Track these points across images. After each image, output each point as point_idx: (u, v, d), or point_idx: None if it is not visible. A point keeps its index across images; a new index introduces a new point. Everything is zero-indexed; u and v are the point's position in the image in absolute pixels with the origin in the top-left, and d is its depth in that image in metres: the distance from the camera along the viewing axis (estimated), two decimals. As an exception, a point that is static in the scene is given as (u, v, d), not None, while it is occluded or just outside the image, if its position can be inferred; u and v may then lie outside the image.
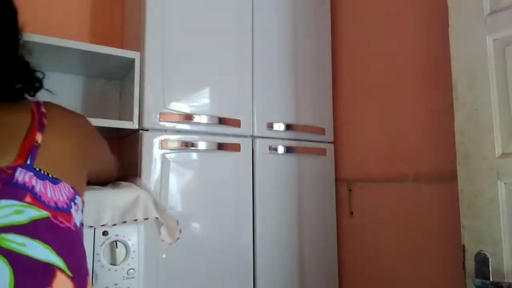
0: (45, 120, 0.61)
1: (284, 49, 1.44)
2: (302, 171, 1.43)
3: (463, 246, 0.99)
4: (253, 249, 1.28)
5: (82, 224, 0.62)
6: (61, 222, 0.54)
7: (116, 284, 0.87)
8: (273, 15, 1.42)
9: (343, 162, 1.55)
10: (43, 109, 0.62)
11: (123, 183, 1.05)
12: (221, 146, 1.24)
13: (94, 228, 0.87)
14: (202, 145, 1.20)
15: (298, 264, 1.38)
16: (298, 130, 1.43)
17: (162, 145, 1.14)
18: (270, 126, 1.36)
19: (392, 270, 1.35)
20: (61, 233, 0.54)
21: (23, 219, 0.50)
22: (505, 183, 0.94)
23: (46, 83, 0.79)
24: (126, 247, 0.90)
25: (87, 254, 0.82)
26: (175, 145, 1.16)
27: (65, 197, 0.57)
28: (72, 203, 0.58)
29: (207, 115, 1.22)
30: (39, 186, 0.54)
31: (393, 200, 1.36)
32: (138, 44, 1.19)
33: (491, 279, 0.92)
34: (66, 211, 0.56)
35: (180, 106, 1.19)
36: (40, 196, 0.53)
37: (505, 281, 0.91)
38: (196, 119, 1.20)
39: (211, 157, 1.23)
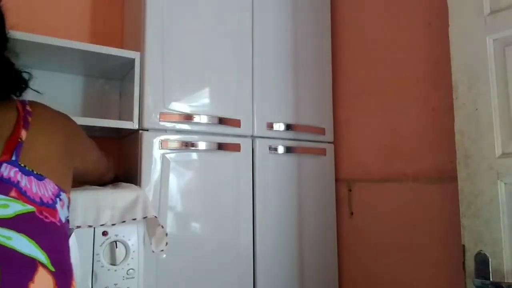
0: (29, 118, 0.61)
1: (284, 49, 1.44)
2: (302, 171, 1.43)
3: (463, 246, 0.99)
4: (253, 249, 1.28)
5: (67, 220, 0.62)
6: (46, 217, 0.55)
7: (116, 284, 0.87)
8: (273, 15, 1.42)
9: (343, 162, 1.55)
10: (28, 108, 0.63)
11: (123, 183, 1.05)
12: (221, 146, 1.24)
13: (94, 228, 0.87)
14: (202, 145, 1.20)
15: (298, 264, 1.38)
16: (298, 130, 1.43)
17: (162, 145, 1.14)
18: (270, 126, 1.36)
19: (392, 270, 1.35)
20: (46, 228, 0.54)
21: (8, 213, 0.51)
22: (505, 183, 0.94)
23: (47, 83, 0.80)
24: (126, 247, 0.90)
25: (87, 254, 0.83)
26: (175, 145, 1.16)
27: (50, 193, 0.57)
28: (57, 199, 0.59)
29: (207, 115, 1.22)
30: (24, 181, 0.54)
31: (393, 200, 1.36)
32: (138, 44, 1.19)
33: (491, 279, 0.91)
34: (51, 207, 0.57)
35: (180, 106, 1.19)
36: (25, 191, 0.54)
37: (505, 281, 0.91)
38: (196, 119, 1.20)
39: (211, 157, 1.23)
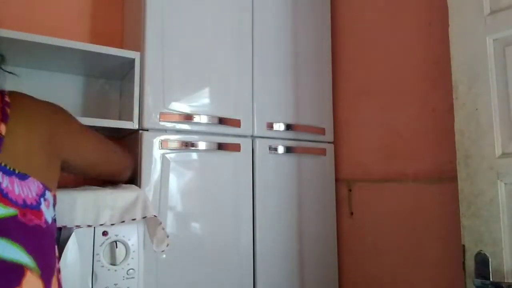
0: (8, 110, 0.57)
1: (284, 49, 1.44)
2: (302, 171, 1.43)
3: (463, 246, 0.99)
4: (253, 249, 1.28)
5: (54, 220, 0.60)
6: (30, 220, 0.52)
7: (116, 284, 0.87)
8: (273, 15, 1.42)
9: (343, 162, 1.55)
10: (6, 99, 0.59)
11: (123, 185, 1.05)
12: (221, 146, 1.24)
13: (94, 228, 0.87)
14: (202, 145, 1.20)
15: (298, 264, 1.38)
16: (298, 130, 1.43)
17: (162, 145, 1.14)
18: (270, 126, 1.36)
19: (392, 270, 1.35)
20: (30, 231, 0.52)
21: None
22: (505, 183, 0.94)
23: (47, 83, 0.79)
24: (126, 247, 0.90)
25: (87, 254, 0.81)
26: (175, 145, 1.16)
27: (34, 194, 0.55)
28: (42, 199, 0.56)
29: (207, 115, 1.22)
30: (5, 182, 0.51)
31: (393, 200, 1.36)
32: (138, 44, 1.19)
33: (491, 279, 0.92)
34: (35, 208, 0.54)
35: (180, 106, 1.19)
36: (7, 193, 0.51)
37: (505, 281, 0.91)
38: (196, 119, 1.20)
39: (211, 157, 1.23)
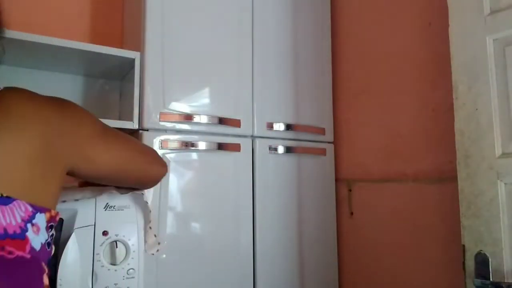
0: None
1: (284, 49, 1.44)
2: (302, 171, 1.43)
3: (463, 246, 0.99)
4: (253, 249, 1.28)
5: (48, 244, 0.52)
6: (10, 252, 0.46)
7: (116, 284, 0.87)
8: (273, 15, 1.42)
9: (343, 162, 1.55)
10: None
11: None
12: (221, 146, 1.24)
13: (94, 228, 0.87)
14: (202, 145, 1.20)
15: (298, 264, 1.38)
16: (298, 130, 1.43)
17: (162, 145, 1.14)
18: (270, 126, 1.36)
19: (392, 270, 1.35)
20: (10, 266, 0.45)
21: None
22: (505, 183, 0.94)
23: (47, 83, 0.76)
24: (126, 247, 0.90)
25: (87, 254, 0.79)
26: (175, 145, 1.16)
27: (18, 219, 0.47)
28: (29, 225, 0.48)
29: (207, 115, 1.22)
30: None
31: (393, 200, 1.36)
32: (138, 44, 1.19)
33: (491, 279, 0.91)
34: (18, 237, 0.47)
35: (180, 106, 1.19)
36: None
37: (505, 281, 0.91)
38: (196, 119, 1.20)
39: (211, 157, 1.23)
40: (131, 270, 0.89)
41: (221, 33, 1.29)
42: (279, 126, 1.38)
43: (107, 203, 0.89)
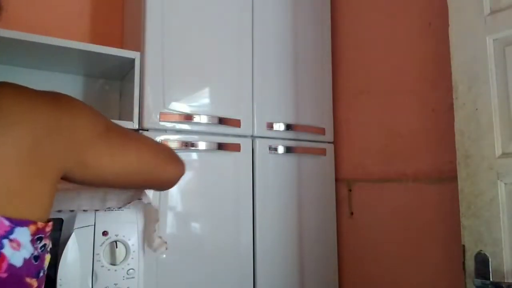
0: None
1: (284, 49, 1.44)
2: (302, 171, 1.43)
3: (463, 246, 0.99)
4: (253, 249, 1.28)
5: (35, 258, 0.47)
6: None
7: (116, 284, 0.87)
8: (273, 15, 1.42)
9: (343, 162, 1.55)
10: None
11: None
12: (221, 146, 1.24)
13: (94, 228, 0.87)
14: (202, 145, 1.20)
15: (298, 264, 1.38)
16: (298, 130, 1.43)
17: (162, 145, 1.14)
18: (270, 126, 1.36)
19: (392, 270, 1.35)
20: None
21: None
22: (505, 183, 0.94)
23: (47, 83, 0.74)
24: (126, 247, 0.90)
25: (87, 254, 0.79)
26: (175, 145, 1.16)
27: None
28: (5, 241, 0.43)
29: (207, 115, 1.22)
30: None
31: (393, 200, 1.36)
32: (138, 44, 1.19)
33: (491, 279, 0.91)
34: None
35: (180, 106, 1.19)
36: None
37: (505, 281, 0.91)
38: (196, 119, 1.20)
39: (211, 157, 1.23)
40: (131, 270, 0.89)
41: (221, 33, 1.29)
42: (279, 126, 1.38)
43: (107, 203, 0.89)
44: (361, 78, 1.52)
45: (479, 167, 0.97)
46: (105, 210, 0.89)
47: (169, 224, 1.13)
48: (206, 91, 1.24)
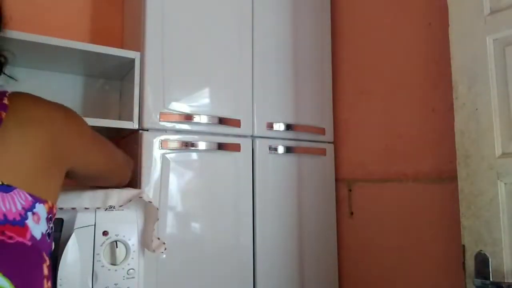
0: (3, 114, 0.52)
1: (284, 49, 1.44)
2: (302, 171, 1.43)
3: (463, 246, 0.99)
4: (253, 249, 1.28)
5: (48, 234, 0.54)
6: (10, 237, 0.47)
7: (116, 284, 0.87)
8: (273, 15, 1.42)
9: (343, 162, 1.55)
10: (5, 101, 0.54)
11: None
12: (221, 146, 1.24)
13: (94, 228, 0.87)
14: (202, 145, 1.20)
15: (298, 264, 1.38)
16: (298, 130, 1.43)
17: (162, 145, 1.14)
18: (270, 126, 1.36)
19: (392, 270, 1.35)
20: (10, 250, 0.47)
21: None
22: (505, 183, 0.94)
23: (47, 83, 0.76)
24: (126, 247, 0.90)
25: (87, 254, 0.80)
26: (175, 145, 1.16)
27: (19, 207, 0.49)
28: (29, 213, 0.50)
29: (207, 115, 1.22)
30: None
31: (393, 200, 1.36)
32: (138, 44, 1.19)
33: (491, 279, 0.92)
34: (18, 224, 0.49)
35: (180, 106, 1.19)
36: None
37: (505, 281, 0.91)
38: (196, 119, 1.20)
39: (211, 157, 1.23)
40: (131, 270, 0.89)
41: (221, 33, 1.29)
42: (279, 126, 1.38)
43: (107, 203, 0.89)
44: (361, 78, 1.52)
45: (479, 167, 0.97)
46: (106, 209, 0.89)
47: (169, 224, 1.13)
48: (206, 91, 1.24)
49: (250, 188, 1.29)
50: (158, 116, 1.15)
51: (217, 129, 1.24)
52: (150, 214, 0.95)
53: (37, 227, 0.51)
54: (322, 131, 1.50)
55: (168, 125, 1.16)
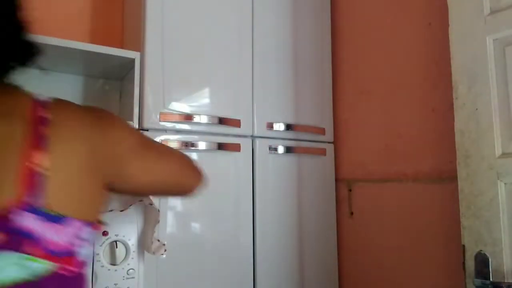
0: (45, 131, 0.46)
1: (284, 49, 1.44)
2: (302, 171, 1.43)
3: (463, 246, 0.99)
4: (253, 249, 1.28)
5: (89, 254, 0.54)
6: (67, 270, 0.47)
7: (116, 284, 0.87)
8: (273, 15, 1.42)
9: (343, 162, 1.55)
10: (43, 113, 0.49)
11: None
12: (221, 146, 1.24)
13: (94, 228, 0.87)
14: (202, 145, 1.20)
15: (298, 264, 1.38)
16: (298, 130, 1.43)
17: (162, 145, 1.14)
18: (270, 126, 1.36)
19: (392, 270, 1.35)
20: (68, 283, 0.47)
21: (24, 275, 0.42)
22: (505, 183, 0.94)
23: (47, 83, 0.74)
24: (126, 247, 0.90)
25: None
26: (175, 145, 1.16)
27: (70, 236, 0.47)
28: (78, 240, 0.49)
29: (207, 115, 1.22)
30: (42, 229, 0.43)
31: (393, 200, 1.36)
32: (138, 44, 1.19)
33: (491, 279, 0.92)
34: (70, 254, 0.47)
35: (180, 106, 1.19)
36: (45, 243, 0.44)
37: (505, 281, 0.91)
38: (196, 119, 1.20)
39: (211, 157, 1.23)
40: (131, 270, 0.89)
41: (221, 33, 1.29)
42: (279, 126, 1.38)
43: (107, 203, 0.89)
44: (361, 78, 1.52)
45: (479, 167, 0.97)
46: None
47: (169, 224, 1.13)
48: (206, 91, 1.24)
49: (250, 188, 1.29)
50: (158, 116, 1.15)
51: (217, 129, 1.24)
52: (150, 216, 0.95)
53: (82, 252, 0.50)
54: (322, 131, 1.50)
55: (168, 125, 1.16)
